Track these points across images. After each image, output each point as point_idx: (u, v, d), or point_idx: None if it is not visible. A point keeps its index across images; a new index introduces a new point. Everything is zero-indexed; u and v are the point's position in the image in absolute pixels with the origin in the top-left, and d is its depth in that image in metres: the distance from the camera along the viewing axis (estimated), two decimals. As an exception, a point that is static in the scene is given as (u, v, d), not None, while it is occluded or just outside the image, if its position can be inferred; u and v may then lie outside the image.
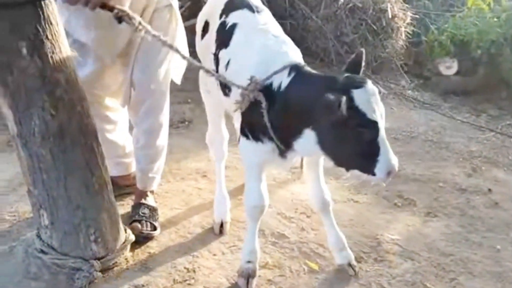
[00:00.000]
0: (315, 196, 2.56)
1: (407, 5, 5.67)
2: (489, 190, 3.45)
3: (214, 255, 2.67)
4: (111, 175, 2.98)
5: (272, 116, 2.15)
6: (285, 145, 2.21)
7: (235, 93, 2.29)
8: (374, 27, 5.40)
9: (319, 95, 1.93)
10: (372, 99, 1.96)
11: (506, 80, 5.11)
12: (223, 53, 2.44)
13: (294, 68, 2.15)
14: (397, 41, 5.50)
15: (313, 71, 2.20)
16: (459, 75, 5.29)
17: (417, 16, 5.72)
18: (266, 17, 2.49)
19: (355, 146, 1.99)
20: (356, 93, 1.94)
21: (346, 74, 2.04)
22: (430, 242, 2.89)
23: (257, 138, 2.27)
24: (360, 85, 1.97)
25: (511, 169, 3.77)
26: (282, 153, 2.26)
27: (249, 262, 2.46)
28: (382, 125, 1.98)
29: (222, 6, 2.59)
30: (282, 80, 2.14)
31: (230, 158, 3.50)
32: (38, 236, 2.41)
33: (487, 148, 4.09)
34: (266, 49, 2.27)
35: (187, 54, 2.82)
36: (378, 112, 1.97)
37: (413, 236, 2.94)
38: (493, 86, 5.18)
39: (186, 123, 4.17)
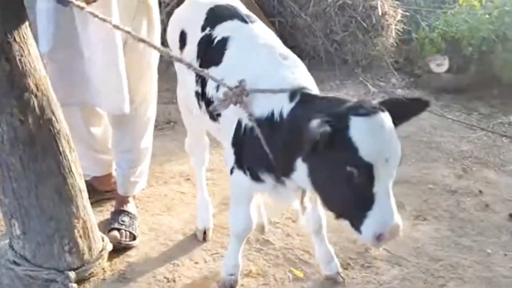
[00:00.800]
0: (311, 218, 2.37)
1: (397, 2, 5.59)
2: (480, 191, 3.37)
3: (196, 263, 2.59)
4: (91, 175, 2.92)
5: (276, 147, 1.89)
6: (285, 177, 1.94)
7: (226, 118, 2.09)
8: (364, 24, 5.31)
9: (310, 120, 1.61)
10: (376, 134, 1.59)
11: (498, 78, 5.03)
12: (213, 72, 2.12)
13: (298, 93, 1.87)
14: (387, 38, 5.42)
15: (324, 95, 1.93)
16: (450, 73, 5.20)
17: (407, 13, 5.64)
18: (261, 28, 2.22)
19: (342, 188, 1.64)
20: (355, 122, 1.59)
21: (360, 99, 1.80)
22: (419, 246, 2.81)
23: (257, 178, 2.02)
24: (365, 112, 1.61)
25: (502, 169, 3.69)
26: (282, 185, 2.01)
27: (231, 275, 2.38)
28: (385, 173, 1.60)
29: (203, 16, 2.32)
30: (283, 106, 1.87)
31: (216, 161, 3.43)
32: (11, 246, 2.33)
33: (478, 148, 4.01)
34: (272, 74, 1.98)
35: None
36: (383, 154, 1.58)
37: (401, 240, 2.83)
38: (485, 83, 5.09)
39: (171, 124, 4.08)
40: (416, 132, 4.16)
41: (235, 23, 2.21)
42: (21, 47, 2.03)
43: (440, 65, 5.18)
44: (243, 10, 2.34)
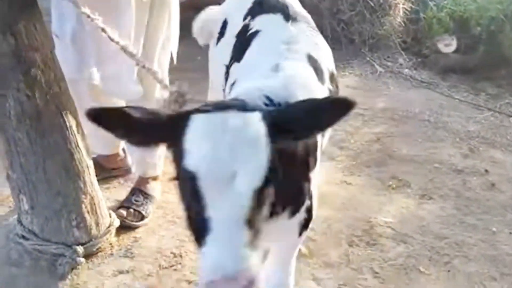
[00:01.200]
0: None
1: (405, -19, 5.52)
2: (486, 171, 3.36)
3: (202, 239, 2.60)
4: (99, 154, 2.92)
5: None
6: None
7: None
8: (371, 3, 5.25)
9: None
10: (209, 137, 1.18)
11: (506, 58, 4.98)
12: (234, 69, 1.86)
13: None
14: (395, 18, 5.36)
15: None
16: (458, 53, 5.15)
17: (415, -8, 5.58)
18: (299, 31, 1.86)
19: (184, 204, 1.27)
20: (193, 121, 1.22)
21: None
22: (424, 225, 2.82)
23: None
24: (210, 110, 1.24)
25: (509, 149, 3.68)
26: None
27: None
28: (226, 194, 1.15)
29: (249, 4, 2.07)
30: None
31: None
32: (19, 221, 2.35)
33: (485, 128, 3.99)
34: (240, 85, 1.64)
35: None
36: (217, 164, 1.15)
37: (407, 218, 2.87)
38: (493, 64, 5.04)
39: (179, 103, 4.06)
40: (423, 111, 4.15)
41: (276, 17, 1.91)
42: (27, 22, 2.02)
43: (448, 45, 5.13)
44: (297, 7, 2.02)
